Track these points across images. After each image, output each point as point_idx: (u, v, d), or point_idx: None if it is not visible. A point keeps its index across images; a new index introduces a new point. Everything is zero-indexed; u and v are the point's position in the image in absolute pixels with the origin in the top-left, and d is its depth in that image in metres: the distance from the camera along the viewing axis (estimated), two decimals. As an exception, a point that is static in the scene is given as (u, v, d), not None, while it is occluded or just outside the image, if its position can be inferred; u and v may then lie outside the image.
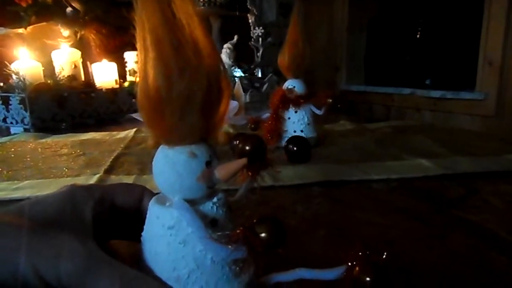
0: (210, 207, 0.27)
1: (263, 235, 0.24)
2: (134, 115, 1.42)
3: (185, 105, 0.24)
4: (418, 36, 1.67)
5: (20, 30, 1.45)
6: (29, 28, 1.46)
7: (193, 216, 0.25)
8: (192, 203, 0.26)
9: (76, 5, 1.59)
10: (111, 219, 0.30)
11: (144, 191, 0.32)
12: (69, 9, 1.56)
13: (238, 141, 0.29)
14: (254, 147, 0.29)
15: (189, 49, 0.24)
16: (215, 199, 0.27)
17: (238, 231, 0.25)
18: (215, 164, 0.27)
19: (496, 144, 0.91)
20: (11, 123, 1.25)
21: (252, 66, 1.57)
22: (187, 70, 0.23)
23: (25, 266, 0.21)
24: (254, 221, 0.25)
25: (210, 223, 0.27)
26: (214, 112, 0.26)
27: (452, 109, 1.39)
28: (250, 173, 0.28)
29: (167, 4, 0.24)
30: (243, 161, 0.26)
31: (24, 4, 1.43)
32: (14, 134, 1.19)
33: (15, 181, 0.67)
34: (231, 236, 0.25)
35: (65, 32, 1.53)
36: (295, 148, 0.75)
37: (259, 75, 1.54)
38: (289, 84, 0.88)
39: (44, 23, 1.49)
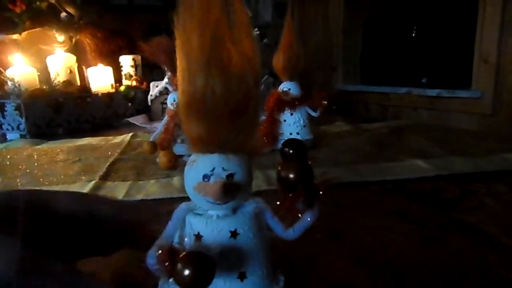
0: (220, 220, 0.27)
1: (186, 272, 0.22)
2: (130, 119, 1.42)
3: (225, 111, 0.24)
4: (413, 35, 1.67)
5: (15, 36, 1.45)
6: (24, 33, 1.45)
7: (171, 224, 0.27)
8: (204, 210, 0.27)
9: (70, 10, 1.59)
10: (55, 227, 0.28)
11: (98, 199, 0.31)
12: (63, 14, 1.56)
13: (280, 167, 0.28)
14: (300, 175, 0.28)
15: (238, 58, 0.24)
16: (238, 214, 0.27)
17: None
18: (217, 179, 0.25)
19: (492, 143, 0.91)
20: (7, 129, 1.25)
21: (248, 68, 1.56)
22: (237, 79, 0.24)
23: None
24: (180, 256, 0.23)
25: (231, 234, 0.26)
26: (247, 124, 0.26)
27: (449, 107, 1.39)
28: (303, 207, 0.27)
29: (220, 10, 0.24)
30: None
31: (18, 10, 1.43)
32: (10, 140, 1.19)
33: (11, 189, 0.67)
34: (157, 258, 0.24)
35: (60, 37, 1.53)
36: (291, 151, 0.75)
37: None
38: (284, 86, 0.88)
39: (39, 29, 1.49)
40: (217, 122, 0.25)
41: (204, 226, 0.26)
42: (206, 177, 0.25)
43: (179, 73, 0.26)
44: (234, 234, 0.26)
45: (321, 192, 0.29)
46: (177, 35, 0.26)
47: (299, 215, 0.28)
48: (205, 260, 0.22)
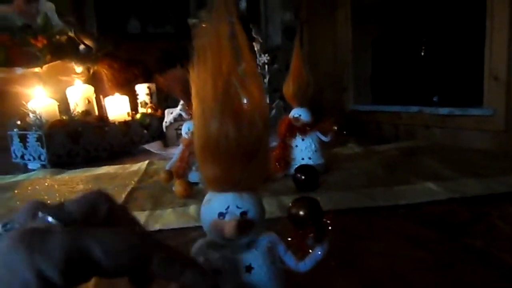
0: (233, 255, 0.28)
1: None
2: (147, 146, 1.46)
3: (239, 154, 0.26)
4: (422, 53, 1.69)
5: (37, 69, 1.52)
6: (45, 66, 1.52)
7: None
8: (220, 246, 0.29)
9: (88, 42, 1.66)
10: None
11: (100, 197, 0.26)
12: (82, 47, 1.63)
13: (292, 205, 0.30)
14: (309, 212, 0.29)
15: (248, 104, 0.27)
16: (252, 249, 0.29)
17: None
18: (231, 216, 0.27)
19: (504, 162, 0.91)
20: (29, 159, 1.30)
21: (259, 93, 1.59)
22: (248, 124, 0.26)
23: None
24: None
25: (245, 269, 0.28)
26: (258, 164, 0.28)
27: (461, 125, 1.39)
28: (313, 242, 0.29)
29: (231, 61, 0.27)
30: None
31: (40, 45, 1.50)
32: (32, 170, 1.23)
33: (34, 221, 0.70)
34: None
35: (79, 68, 1.60)
36: (303, 177, 0.76)
37: (267, 101, 1.57)
38: (295, 112, 0.90)
39: (59, 61, 1.56)
40: (231, 163, 0.27)
41: (221, 262, 0.28)
42: (221, 215, 0.27)
43: (194, 119, 0.28)
44: (248, 268, 0.28)
45: (329, 228, 0.30)
46: (192, 84, 0.28)
47: (310, 250, 0.29)
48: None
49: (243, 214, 0.27)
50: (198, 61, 0.27)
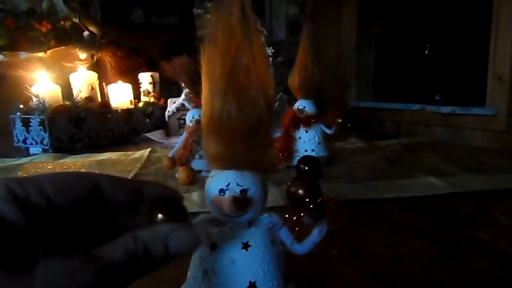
0: (234, 232, 0.29)
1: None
2: (148, 135, 1.46)
3: (240, 132, 0.27)
4: (426, 52, 1.69)
5: (40, 54, 1.51)
6: (49, 52, 1.52)
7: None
8: (221, 222, 0.29)
9: (93, 29, 1.65)
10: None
11: (100, 179, 0.25)
12: (86, 33, 1.63)
13: (290, 183, 0.30)
14: (307, 191, 0.30)
15: (253, 85, 0.27)
16: (251, 227, 0.29)
17: None
18: (231, 193, 0.28)
19: (506, 160, 0.92)
20: (31, 144, 1.30)
21: (263, 85, 1.59)
22: (251, 103, 0.27)
23: None
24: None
25: (243, 245, 0.29)
26: (260, 144, 0.28)
27: (463, 124, 1.39)
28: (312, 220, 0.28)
29: (240, 41, 0.27)
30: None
31: (44, 30, 1.50)
32: (33, 154, 1.23)
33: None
34: None
35: (82, 55, 1.59)
36: (306, 168, 0.77)
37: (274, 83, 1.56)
38: (299, 104, 0.90)
39: (63, 47, 1.55)
40: (233, 141, 0.27)
41: (219, 236, 0.29)
42: (221, 191, 0.28)
43: (203, 97, 0.29)
44: (245, 246, 0.29)
45: (328, 209, 0.31)
46: (203, 64, 0.29)
47: (310, 229, 0.30)
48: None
49: (243, 191, 0.28)
50: (208, 41, 0.28)
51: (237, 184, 0.28)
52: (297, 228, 0.29)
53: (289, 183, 0.31)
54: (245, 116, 0.27)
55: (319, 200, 0.30)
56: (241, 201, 0.28)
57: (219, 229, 0.29)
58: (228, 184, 0.28)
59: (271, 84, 0.29)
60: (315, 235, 0.29)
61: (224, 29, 0.28)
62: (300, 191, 0.30)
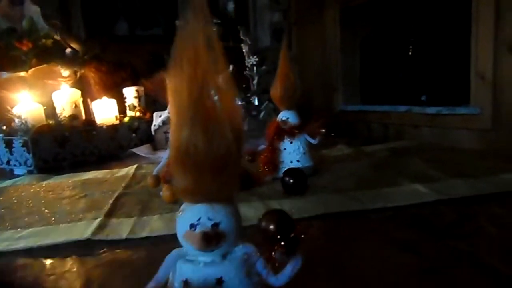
0: (205, 266, 0.28)
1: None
2: (135, 150, 1.44)
3: (207, 165, 0.26)
4: (410, 53, 1.70)
5: (22, 73, 1.49)
6: (31, 70, 1.50)
7: (162, 268, 0.28)
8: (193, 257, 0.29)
9: (75, 45, 1.64)
10: None
11: None
12: (68, 50, 1.61)
13: (262, 218, 0.30)
14: (279, 225, 0.29)
15: (221, 116, 0.26)
16: (224, 261, 0.28)
17: None
18: (202, 228, 0.27)
19: (491, 162, 0.92)
20: (15, 165, 1.28)
21: (248, 95, 1.59)
22: (218, 136, 0.26)
23: None
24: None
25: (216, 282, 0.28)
26: (229, 176, 0.27)
27: (449, 124, 1.40)
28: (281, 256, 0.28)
29: (206, 69, 0.26)
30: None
31: (25, 48, 1.48)
32: (17, 176, 1.21)
33: (18, 230, 0.69)
34: None
35: (65, 72, 1.57)
36: (291, 181, 0.76)
37: (256, 103, 1.56)
38: (282, 116, 0.90)
39: (45, 65, 1.53)
40: (201, 174, 0.26)
41: (192, 273, 0.28)
42: (192, 226, 0.27)
43: (171, 128, 0.28)
44: (219, 281, 0.28)
45: (300, 241, 0.30)
46: (169, 92, 0.28)
47: (286, 262, 0.29)
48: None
49: (215, 225, 0.27)
50: (174, 70, 0.27)
51: (208, 218, 0.27)
52: (270, 264, 0.28)
53: (259, 218, 0.30)
54: (212, 148, 0.26)
55: (291, 235, 0.29)
56: (212, 236, 0.27)
57: (191, 265, 0.28)
58: (199, 218, 0.27)
59: (238, 115, 0.28)
60: (288, 270, 0.28)
61: (189, 55, 0.27)
62: (271, 227, 0.29)
